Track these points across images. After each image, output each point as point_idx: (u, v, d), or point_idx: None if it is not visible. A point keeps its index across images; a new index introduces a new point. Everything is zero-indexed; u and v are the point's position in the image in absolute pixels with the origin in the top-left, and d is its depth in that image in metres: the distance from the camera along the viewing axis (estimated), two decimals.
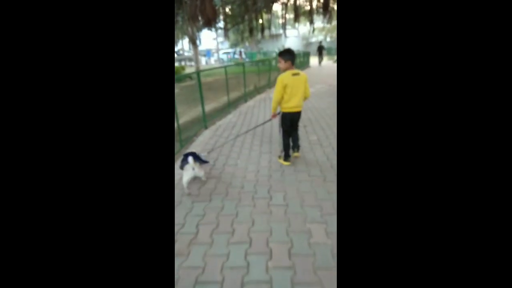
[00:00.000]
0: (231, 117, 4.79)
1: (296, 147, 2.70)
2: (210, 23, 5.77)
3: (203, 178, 2.30)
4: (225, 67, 5.09)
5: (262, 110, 5.20)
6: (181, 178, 2.23)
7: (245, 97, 6.20)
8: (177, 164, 2.48)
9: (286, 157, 2.60)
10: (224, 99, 5.61)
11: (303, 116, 4.43)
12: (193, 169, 2.11)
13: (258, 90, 7.33)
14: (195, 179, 2.27)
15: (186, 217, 1.87)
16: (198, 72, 3.96)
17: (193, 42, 10.28)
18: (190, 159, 2.10)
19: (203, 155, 2.38)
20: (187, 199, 2.10)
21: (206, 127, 4.18)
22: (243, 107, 5.63)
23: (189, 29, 9.06)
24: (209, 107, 5.97)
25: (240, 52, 23.79)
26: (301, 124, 3.95)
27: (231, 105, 5.50)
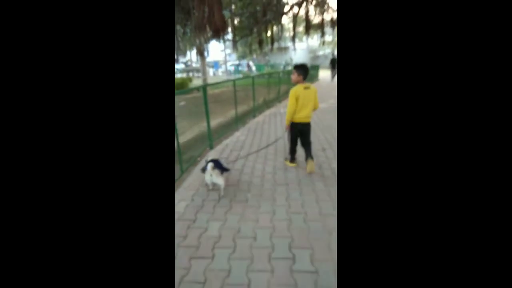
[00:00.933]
0: (238, 135, 4.35)
1: (310, 156, 2.67)
2: (218, 33, 5.47)
3: (222, 187, 2.28)
4: (233, 80, 4.69)
5: (273, 127, 4.75)
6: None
7: (253, 112, 5.78)
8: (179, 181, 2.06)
9: (291, 159, 2.91)
10: (231, 113, 5.19)
11: (320, 137, 3.99)
12: (211, 175, 2.21)
13: (267, 104, 6.92)
14: (215, 185, 2.35)
15: (181, 286, 1.38)
16: (204, 86, 3.55)
17: (201, 53, 10.04)
18: (209, 165, 2.19)
19: (223, 161, 2.46)
20: (182, 251, 1.61)
21: (211, 147, 3.74)
22: (252, 123, 5.19)
23: (197, 40, 8.85)
24: (215, 122, 5.56)
25: (248, 65, 23.67)
26: (319, 147, 3.49)
27: (239, 121, 5.07)
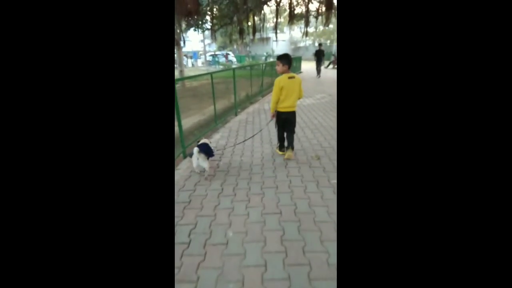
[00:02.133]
0: (218, 138, 3.72)
1: (291, 147, 2.86)
2: (191, 15, 4.67)
3: (207, 169, 2.40)
4: (211, 73, 4.02)
5: (257, 127, 4.16)
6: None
7: (235, 109, 5.16)
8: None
9: (281, 147, 2.99)
10: (210, 110, 4.53)
11: (312, 141, 3.46)
12: (197, 158, 2.32)
13: (250, 100, 6.31)
14: (202, 168, 2.45)
15: None
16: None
17: (176, 43, 9.10)
18: (195, 149, 2.31)
19: (213, 147, 2.61)
20: None
21: (185, 156, 3.10)
22: (234, 123, 4.58)
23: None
24: (192, 120, 4.90)
25: (226, 55, 22.66)
26: (312, 153, 2.99)
27: (218, 120, 4.44)
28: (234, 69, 4.92)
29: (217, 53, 24.11)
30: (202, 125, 4.57)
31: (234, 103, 5.13)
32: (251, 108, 5.69)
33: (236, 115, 5.12)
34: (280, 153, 2.96)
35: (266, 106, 5.87)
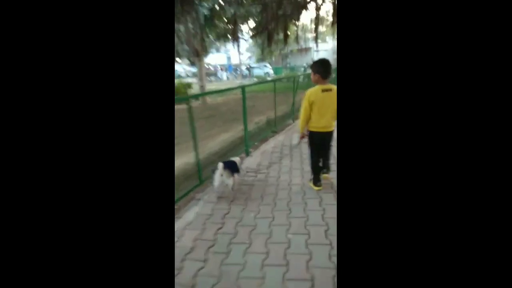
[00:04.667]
0: (192, 226, 1.96)
1: (326, 167, 2.36)
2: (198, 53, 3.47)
3: (231, 187, 2.25)
4: (208, 92, 2.32)
5: (283, 186, 2.30)
6: None
7: (246, 148, 3.39)
8: None
9: (315, 181, 2.26)
10: (209, 147, 2.85)
11: None
12: (221, 175, 2.14)
13: (272, 127, 4.48)
14: (226, 186, 2.25)
15: None
16: None
17: (197, 52, 7.84)
18: (220, 165, 2.13)
19: (238, 161, 2.41)
20: None
21: None
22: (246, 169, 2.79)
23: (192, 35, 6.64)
24: (177, 165, 3.28)
25: (248, 68, 21.31)
26: None
27: (206, 173, 2.71)
28: (243, 87, 3.17)
29: (228, 67, 23.13)
30: (189, 176, 2.90)
31: (244, 136, 3.38)
32: (271, 143, 3.84)
33: (248, 155, 3.35)
34: (316, 188, 2.23)
35: (295, 139, 3.98)
